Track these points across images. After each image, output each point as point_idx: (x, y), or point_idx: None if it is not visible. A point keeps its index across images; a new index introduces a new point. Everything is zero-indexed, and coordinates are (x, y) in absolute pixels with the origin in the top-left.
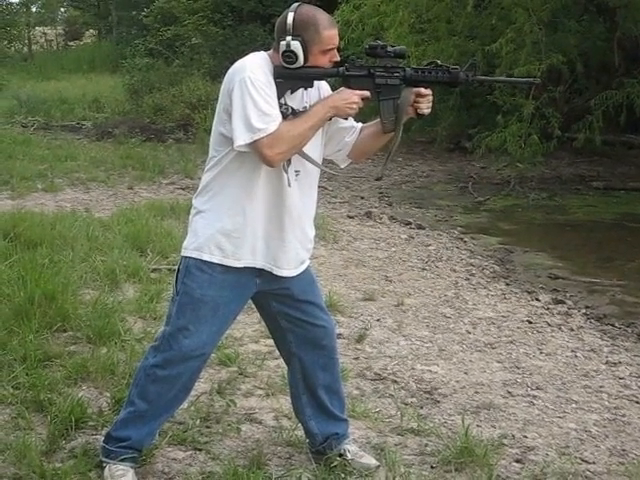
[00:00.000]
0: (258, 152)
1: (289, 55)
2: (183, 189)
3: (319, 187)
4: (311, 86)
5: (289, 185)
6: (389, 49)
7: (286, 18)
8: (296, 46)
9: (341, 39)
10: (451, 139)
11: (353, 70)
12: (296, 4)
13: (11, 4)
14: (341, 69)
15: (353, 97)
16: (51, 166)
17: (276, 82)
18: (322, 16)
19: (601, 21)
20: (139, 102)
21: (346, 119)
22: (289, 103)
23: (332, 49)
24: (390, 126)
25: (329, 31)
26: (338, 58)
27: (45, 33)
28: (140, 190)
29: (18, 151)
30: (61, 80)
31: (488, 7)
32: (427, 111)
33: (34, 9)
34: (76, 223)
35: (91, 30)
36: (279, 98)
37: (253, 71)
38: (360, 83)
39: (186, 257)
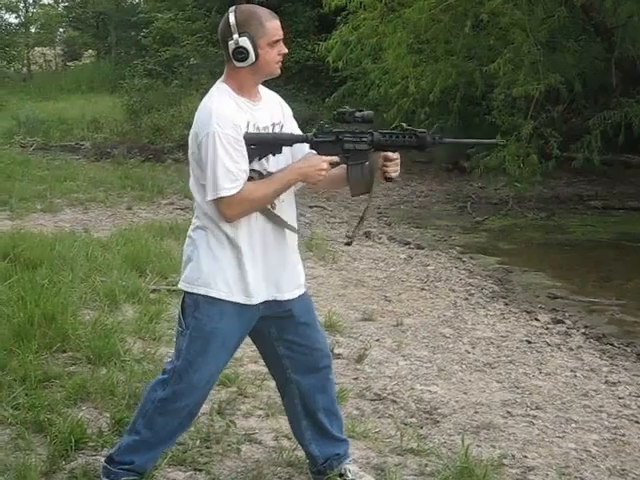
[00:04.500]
0: (217, 208)
1: (240, 51)
2: (182, 209)
3: (317, 207)
4: (279, 152)
5: (274, 208)
6: (357, 114)
7: (228, 19)
8: (244, 41)
9: (339, 59)
10: (449, 159)
11: (321, 136)
12: (233, 7)
13: (10, 24)
14: (310, 135)
15: (322, 164)
16: (50, 186)
17: (247, 149)
18: (262, 10)
19: (599, 41)
20: (138, 122)
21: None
22: (258, 123)
23: (279, 40)
24: (357, 190)
25: (272, 22)
26: (286, 50)
27: (44, 53)
28: (139, 210)
29: (17, 171)
30: (60, 100)
31: (486, 27)
32: (395, 175)
33: (33, 30)
34: (75, 243)
35: (90, 50)
36: (250, 162)
37: (219, 123)
38: (328, 149)
39: (193, 293)
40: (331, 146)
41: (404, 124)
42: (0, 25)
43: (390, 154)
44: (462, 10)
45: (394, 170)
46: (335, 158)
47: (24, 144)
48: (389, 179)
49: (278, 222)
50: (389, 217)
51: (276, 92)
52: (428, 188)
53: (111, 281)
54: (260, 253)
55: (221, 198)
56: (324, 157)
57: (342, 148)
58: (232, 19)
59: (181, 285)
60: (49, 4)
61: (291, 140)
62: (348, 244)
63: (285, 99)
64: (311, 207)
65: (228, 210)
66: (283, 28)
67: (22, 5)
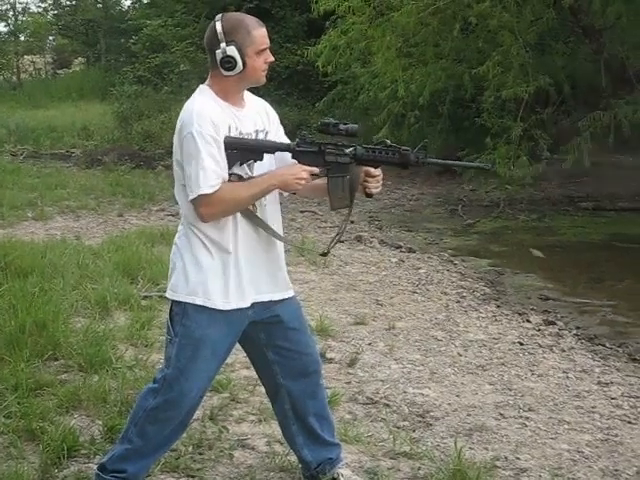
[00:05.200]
0: (194, 207)
1: (228, 61)
2: (173, 215)
3: (309, 212)
4: (261, 159)
5: (255, 212)
6: (341, 127)
7: (215, 28)
8: (232, 50)
9: (329, 64)
10: None
11: (304, 146)
12: (220, 15)
13: None
14: (292, 144)
15: (302, 173)
16: (41, 194)
17: (227, 153)
18: (249, 18)
19: (587, 43)
20: (128, 129)
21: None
22: (241, 129)
23: (265, 49)
24: (337, 204)
25: (259, 31)
26: (272, 58)
27: (34, 61)
28: (130, 217)
29: (8, 180)
30: (50, 108)
31: (475, 30)
32: (375, 191)
33: (22, 38)
34: (66, 251)
35: (80, 58)
36: (230, 167)
37: (200, 123)
38: (310, 159)
39: (180, 301)
40: (313, 157)
41: (388, 140)
42: None
43: (372, 170)
44: (451, 13)
45: (375, 186)
46: (316, 169)
47: (14, 152)
48: (369, 195)
49: (261, 225)
50: (380, 221)
51: (266, 97)
52: (419, 191)
53: (102, 288)
54: (245, 256)
55: (200, 196)
56: (305, 167)
57: (324, 160)
58: (219, 28)
59: (168, 294)
60: (38, 12)
61: (273, 148)
62: (324, 255)
63: (275, 104)
64: (302, 212)
65: (205, 209)
66: (270, 35)
67: (11, 13)
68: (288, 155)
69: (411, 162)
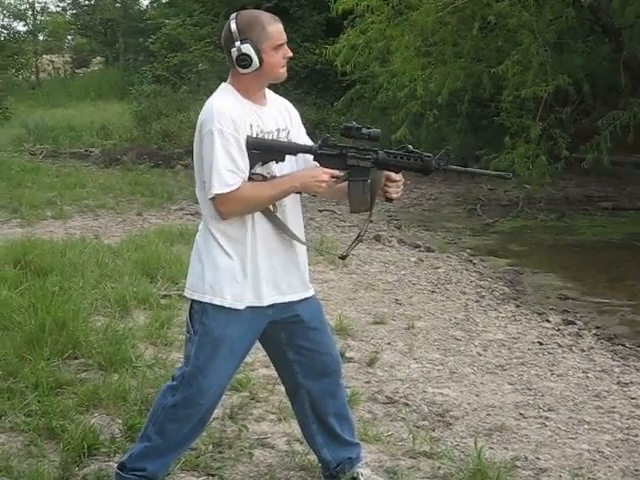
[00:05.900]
0: (213, 205)
1: (244, 59)
2: (192, 215)
3: (327, 211)
4: (282, 160)
5: (275, 212)
6: (363, 131)
7: (230, 27)
8: (247, 48)
9: (347, 63)
10: (459, 161)
11: (326, 149)
12: (234, 13)
13: (18, 32)
14: (314, 146)
15: (323, 176)
16: (60, 193)
17: (250, 153)
18: (264, 15)
19: (607, 42)
20: (147, 128)
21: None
22: (263, 127)
23: (282, 44)
24: (357, 207)
25: (274, 26)
26: (291, 54)
27: (52, 61)
28: (149, 216)
29: (27, 179)
30: (69, 107)
31: (494, 29)
32: (396, 196)
33: (41, 37)
34: (86, 250)
35: (98, 57)
36: (252, 166)
37: (220, 120)
38: (331, 162)
39: (200, 301)
40: (334, 160)
41: (410, 146)
42: (8, 33)
43: (393, 175)
44: (469, 12)
45: (395, 191)
46: (337, 172)
47: (33, 151)
48: (389, 199)
49: (279, 226)
50: (399, 220)
51: (284, 96)
52: (438, 191)
53: (122, 287)
54: (264, 256)
55: (217, 195)
56: (326, 169)
57: (345, 163)
58: (233, 26)
59: (186, 293)
60: (57, 12)
61: (295, 150)
62: (342, 258)
63: (294, 103)
64: (321, 211)
65: (223, 207)
66: (288, 34)
67: (30, 13)
68: (311, 156)
69: (432, 168)
